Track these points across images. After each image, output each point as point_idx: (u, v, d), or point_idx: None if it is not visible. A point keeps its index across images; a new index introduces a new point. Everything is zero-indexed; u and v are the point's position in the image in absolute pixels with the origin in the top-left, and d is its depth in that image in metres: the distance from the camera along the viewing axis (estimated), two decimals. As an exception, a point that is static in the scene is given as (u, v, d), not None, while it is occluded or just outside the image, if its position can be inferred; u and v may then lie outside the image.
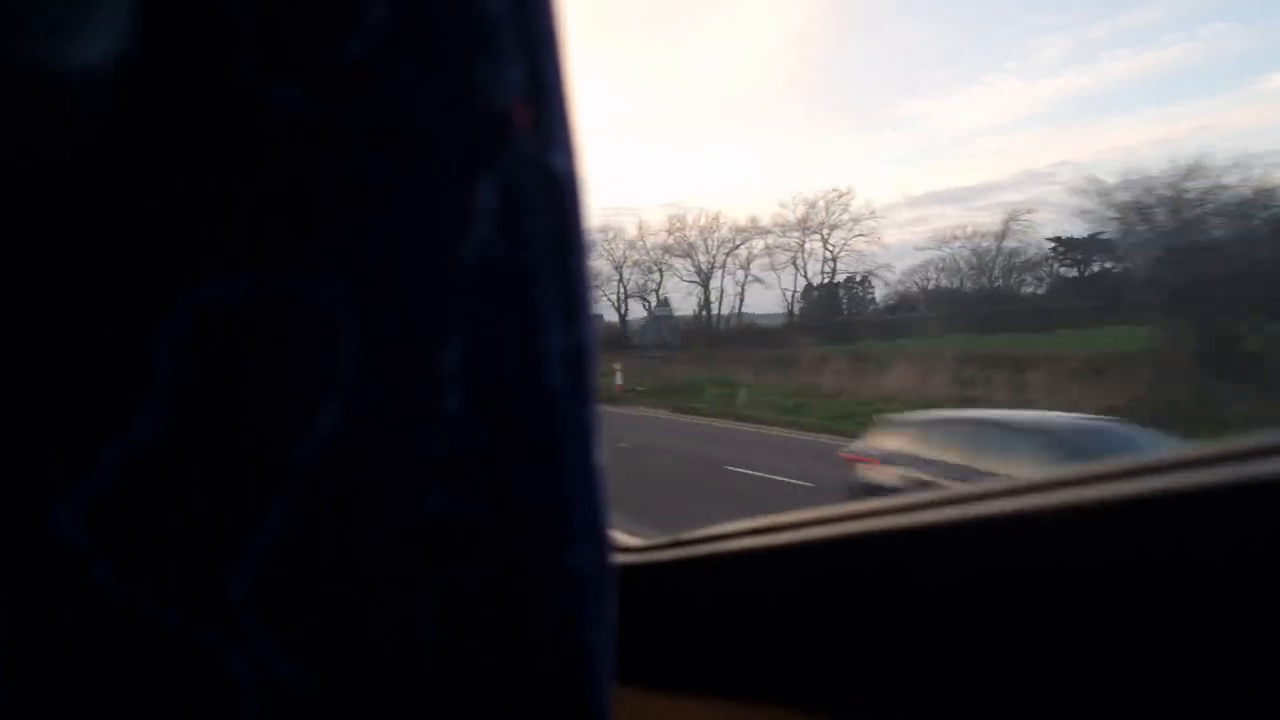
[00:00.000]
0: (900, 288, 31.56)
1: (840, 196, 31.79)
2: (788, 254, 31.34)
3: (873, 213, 34.12)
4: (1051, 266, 29.60)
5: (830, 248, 31.33)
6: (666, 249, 30.86)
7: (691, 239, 31.02)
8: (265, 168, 0.23)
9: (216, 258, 0.23)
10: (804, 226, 31.00)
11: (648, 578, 0.56)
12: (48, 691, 0.23)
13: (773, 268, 33.27)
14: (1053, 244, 29.18)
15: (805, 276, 31.47)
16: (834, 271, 31.15)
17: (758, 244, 31.41)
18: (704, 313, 31.00)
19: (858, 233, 30.97)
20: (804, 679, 0.48)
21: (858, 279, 31.77)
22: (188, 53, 0.23)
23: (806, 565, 0.48)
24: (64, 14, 0.20)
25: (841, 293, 32.10)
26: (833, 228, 30.94)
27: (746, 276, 32.14)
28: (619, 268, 30.73)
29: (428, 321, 0.25)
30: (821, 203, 30.87)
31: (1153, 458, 0.37)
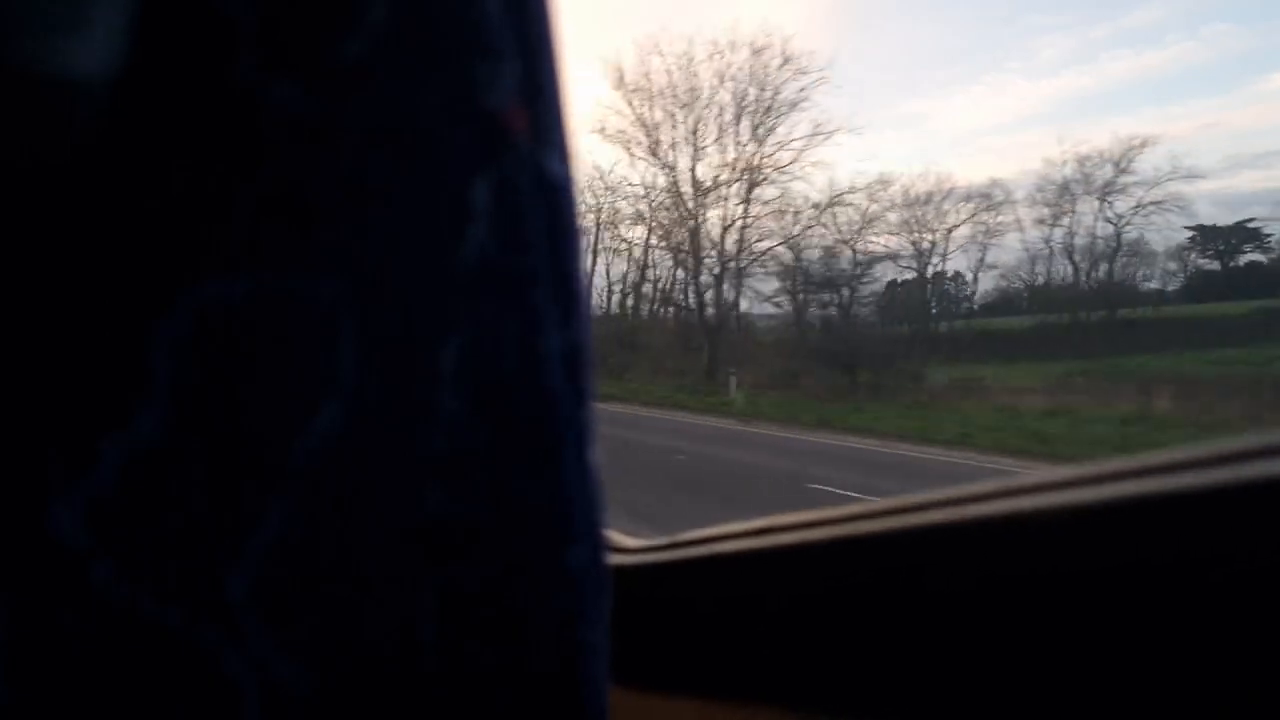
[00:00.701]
0: (1003, 283, 27.58)
1: (1136, 147, 21.73)
2: (1051, 228, 23.09)
3: (1177, 170, 22.56)
4: (1187, 257, 25.25)
5: (1112, 219, 22.71)
6: (870, 220, 21.98)
7: (911, 210, 22.84)
8: (265, 168, 0.23)
9: (216, 258, 0.23)
10: (1070, 191, 22.65)
11: (645, 579, 0.55)
12: (48, 691, 0.23)
13: (1024, 247, 24.57)
14: (1191, 232, 24.14)
15: (1073, 261, 23.25)
16: (1116, 251, 22.97)
17: (990, 216, 23.23)
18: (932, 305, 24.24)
19: (1153, 198, 21.93)
20: (801, 681, 0.47)
21: (949, 275, 25.52)
22: (188, 52, 0.23)
23: (804, 567, 0.48)
24: (63, 13, 0.20)
25: (930, 289, 25.60)
26: (1114, 192, 22.21)
27: (982, 261, 24.53)
28: (797, 251, 21.31)
29: (427, 321, 0.25)
30: (1103, 159, 22.13)
31: (1153, 459, 0.37)
